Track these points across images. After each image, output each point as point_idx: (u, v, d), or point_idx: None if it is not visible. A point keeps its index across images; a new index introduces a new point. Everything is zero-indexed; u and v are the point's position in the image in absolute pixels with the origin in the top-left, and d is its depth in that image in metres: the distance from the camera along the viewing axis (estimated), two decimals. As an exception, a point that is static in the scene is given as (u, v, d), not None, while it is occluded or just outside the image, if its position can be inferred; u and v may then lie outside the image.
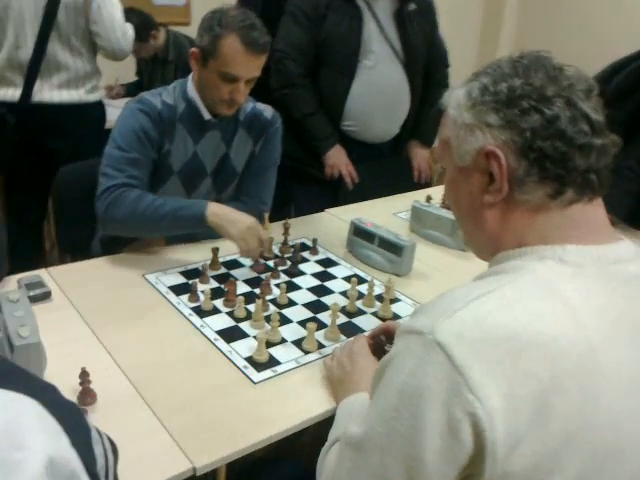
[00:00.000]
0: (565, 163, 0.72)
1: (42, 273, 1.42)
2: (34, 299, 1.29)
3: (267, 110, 1.75)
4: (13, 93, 2.20)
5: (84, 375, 1.02)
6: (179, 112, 1.59)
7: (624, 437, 0.69)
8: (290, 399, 1.11)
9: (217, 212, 1.46)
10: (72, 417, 0.64)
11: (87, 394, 1.03)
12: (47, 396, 0.60)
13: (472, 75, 0.80)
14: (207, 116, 1.61)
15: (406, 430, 0.67)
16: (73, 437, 0.58)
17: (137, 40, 2.56)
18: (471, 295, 0.69)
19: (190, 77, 1.61)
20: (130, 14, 2.60)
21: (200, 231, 1.53)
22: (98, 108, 2.43)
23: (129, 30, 2.35)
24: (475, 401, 0.63)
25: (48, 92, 2.23)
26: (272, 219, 1.80)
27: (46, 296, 1.32)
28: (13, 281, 1.36)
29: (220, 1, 1.67)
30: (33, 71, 2.17)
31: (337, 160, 2.26)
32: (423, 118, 2.42)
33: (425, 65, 2.36)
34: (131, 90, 3.38)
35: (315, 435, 1.08)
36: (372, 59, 2.19)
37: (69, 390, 1.04)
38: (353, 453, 0.73)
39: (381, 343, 1.21)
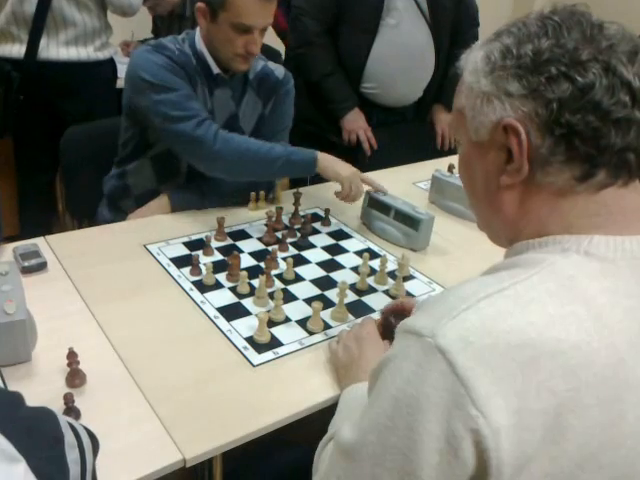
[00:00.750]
0: (597, 141, 0.61)
1: (40, 242, 1.36)
2: (29, 270, 1.24)
3: (278, 69, 1.65)
4: (19, 49, 2.11)
5: (72, 356, 0.96)
6: (194, 63, 1.51)
7: None
8: (291, 384, 1.04)
9: (327, 157, 1.51)
10: (39, 431, 0.59)
11: (75, 375, 0.97)
12: (6, 414, 0.54)
13: (493, 34, 0.69)
14: (216, 70, 1.52)
15: (401, 442, 0.59)
16: (35, 458, 0.53)
17: (154, -5, 2.44)
18: (480, 293, 0.60)
19: (197, 31, 1.52)
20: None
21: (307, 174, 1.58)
22: (109, 66, 2.34)
23: (139, -16, 2.23)
24: (479, 417, 0.54)
25: (55, 49, 2.14)
26: (286, 186, 1.73)
27: (41, 267, 1.26)
28: (9, 250, 1.31)
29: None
30: (38, 26, 2.07)
31: (355, 125, 2.15)
32: (449, 81, 2.27)
33: (453, 24, 2.21)
34: (148, 47, 3.27)
35: (321, 420, 1.02)
36: (396, 17, 2.06)
37: (58, 370, 0.99)
38: (344, 461, 0.66)
39: (390, 326, 1.13)
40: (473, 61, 0.69)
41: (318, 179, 1.92)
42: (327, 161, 1.50)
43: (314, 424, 1.01)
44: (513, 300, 0.59)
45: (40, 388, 0.96)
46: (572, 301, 0.59)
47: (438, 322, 0.58)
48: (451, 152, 2.34)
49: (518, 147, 0.64)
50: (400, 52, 2.10)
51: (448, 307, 0.60)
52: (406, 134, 2.28)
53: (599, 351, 0.57)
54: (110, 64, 2.33)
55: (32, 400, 0.92)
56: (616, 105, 0.60)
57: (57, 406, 0.91)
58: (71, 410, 0.91)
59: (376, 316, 1.21)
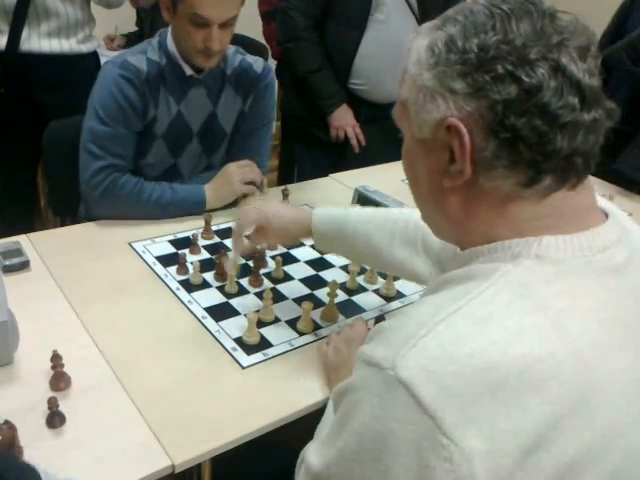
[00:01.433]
0: (543, 146, 0.58)
1: (22, 239, 1.32)
2: (10, 269, 1.20)
3: (257, 63, 1.61)
4: (-1, 41, 2.06)
5: (56, 359, 0.94)
6: (161, 69, 1.47)
7: (634, 449, 0.59)
8: (281, 387, 1.02)
9: (212, 193, 1.51)
10: None
11: (60, 379, 0.95)
12: None
13: (439, 19, 0.64)
14: (189, 72, 1.48)
15: (368, 474, 0.57)
16: None
17: (135, -12, 2.40)
18: (437, 316, 0.57)
19: (169, 30, 1.48)
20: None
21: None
22: (92, 59, 2.29)
23: (124, -25, 2.19)
24: (450, 445, 0.52)
25: (37, 41, 2.08)
26: (274, 183, 1.70)
27: (24, 266, 1.22)
28: (-11, 248, 1.27)
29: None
30: (19, 17, 2.02)
31: (343, 121, 2.12)
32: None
33: (441, 20, 2.19)
34: (132, 40, 3.22)
35: (309, 421, 1.00)
36: (384, 12, 2.03)
37: (41, 373, 0.96)
38: None
39: (382, 327, 1.11)
40: (417, 50, 0.64)
41: (305, 176, 1.91)
42: (214, 199, 1.51)
43: (302, 425, 1.00)
44: (471, 319, 0.56)
45: (23, 392, 0.94)
46: (530, 311, 0.57)
47: (398, 352, 0.55)
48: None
49: (460, 149, 0.60)
50: (389, 48, 2.08)
51: (406, 334, 0.57)
52: (395, 130, 2.26)
53: (563, 360, 0.55)
54: (94, 57, 2.28)
55: (15, 404, 0.91)
56: (564, 108, 0.57)
57: (41, 410, 0.89)
58: (55, 414, 0.88)
59: (366, 316, 1.20)
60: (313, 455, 0.66)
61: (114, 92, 1.41)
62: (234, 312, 1.18)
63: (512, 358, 0.54)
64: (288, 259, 1.38)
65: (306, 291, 1.28)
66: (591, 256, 0.61)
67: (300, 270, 1.35)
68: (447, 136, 0.61)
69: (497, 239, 0.62)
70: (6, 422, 0.82)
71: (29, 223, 2.41)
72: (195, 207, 1.50)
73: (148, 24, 3.21)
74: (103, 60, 2.33)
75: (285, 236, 1.18)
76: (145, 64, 1.44)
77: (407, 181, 0.73)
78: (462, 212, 0.65)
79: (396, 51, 2.09)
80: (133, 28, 3.34)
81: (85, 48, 2.21)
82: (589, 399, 0.56)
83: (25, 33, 2.05)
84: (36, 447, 0.85)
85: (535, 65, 0.57)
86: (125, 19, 3.19)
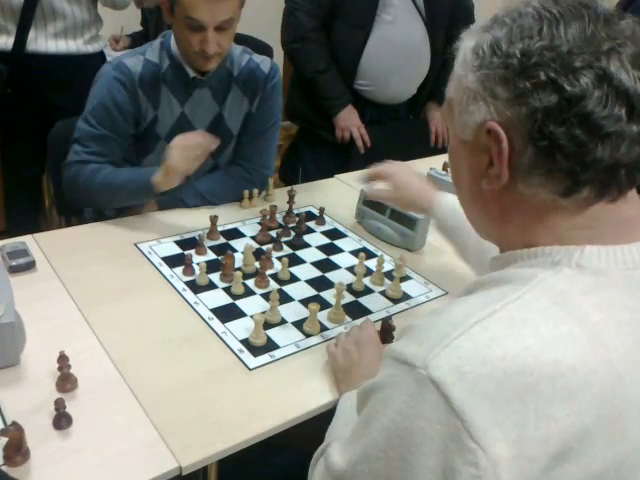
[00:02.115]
0: (582, 157, 0.56)
1: (28, 240, 1.32)
2: (16, 269, 1.20)
3: (264, 63, 1.59)
4: (6, 41, 2.06)
5: (63, 360, 0.93)
6: (163, 71, 1.46)
7: None
8: (288, 388, 1.02)
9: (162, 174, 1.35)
10: None
11: (66, 380, 0.94)
12: None
13: (489, 20, 0.63)
14: (192, 73, 1.47)
15: (394, 472, 0.56)
16: None
17: (140, -11, 2.40)
18: (471, 318, 0.56)
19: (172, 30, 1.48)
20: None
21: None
22: (99, 59, 2.28)
23: (130, -24, 2.19)
24: (477, 449, 0.51)
25: (44, 41, 2.09)
26: (279, 183, 1.70)
27: (30, 266, 1.22)
28: (-5, 248, 1.27)
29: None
30: (26, 18, 2.02)
31: (349, 122, 2.12)
32: (443, 78, 2.25)
33: (449, 21, 2.18)
34: (137, 40, 3.22)
35: (316, 422, 1.00)
36: (391, 13, 2.03)
37: (48, 374, 0.96)
38: None
39: (390, 329, 1.11)
40: (463, 51, 0.64)
41: (310, 177, 1.90)
42: (162, 177, 1.35)
43: (309, 426, 0.99)
44: (506, 323, 0.56)
45: (30, 393, 0.93)
46: (566, 320, 0.56)
47: (430, 351, 0.55)
48: (445, 150, 2.32)
49: (498, 154, 0.60)
50: (395, 49, 2.07)
51: (439, 334, 0.56)
52: (400, 131, 2.26)
53: (596, 371, 0.55)
54: (100, 57, 2.28)
55: (22, 405, 0.91)
56: (608, 119, 0.55)
57: (48, 411, 0.89)
58: (62, 416, 0.88)
59: (373, 318, 1.20)
60: (337, 454, 0.66)
61: (104, 95, 1.44)
62: (240, 313, 1.18)
63: (544, 364, 0.53)
64: (294, 260, 1.37)
65: (312, 292, 1.27)
66: (633, 269, 0.60)
67: (306, 271, 1.35)
68: (487, 139, 0.61)
69: (537, 244, 0.62)
70: (13, 423, 0.81)
71: (34, 222, 2.42)
72: (146, 193, 1.40)
73: (153, 24, 3.21)
74: (109, 60, 2.34)
75: (405, 205, 1.33)
76: (141, 66, 1.45)
77: (452, 180, 0.74)
78: (500, 215, 0.65)
79: (402, 52, 2.09)
80: (138, 28, 3.34)
81: (92, 48, 2.21)
82: (620, 413, 0.55)
83: (32, 34, 2.05)
84: (43, 448, 0.85)
85: (579, 73, 0.55)
86: (131, 19, 3.19)
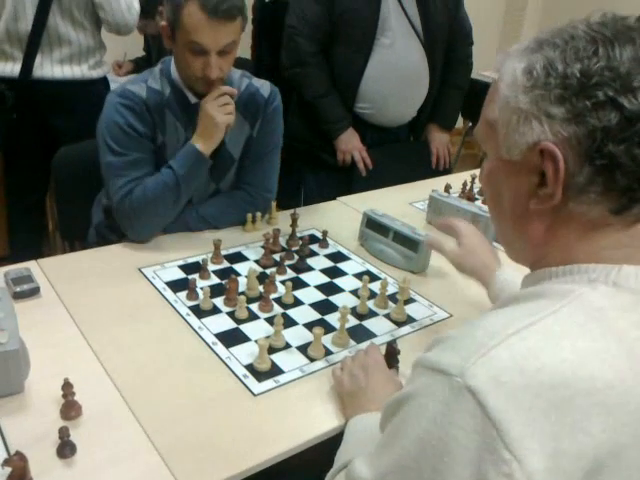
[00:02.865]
0: None
1: (32, 265, 1.32)
2: (21, 295, 1.21)
3: (264, 87, 1.61)
4: (12, 68, 2.09)
5: (67, 387, 0.93)
6: (166, 97, 1.48)
7: None
8: (293, 414, 1.01)
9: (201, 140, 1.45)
10: None
11: (71, 407, 0.94)
12: None
13: (533, 41, 0.63)
14: (193, 99, 1.49)
15: None
16: None
17: (143, 17, 2.43)
18: (509, 328, 0.57)
19: (173, 58, 1.49)
20: (136, -12, 2.46)
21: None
22: (102, 84, 2.32)
23: (134, 3, 2.22)
24: (512, 461, 0.51)
25: (49, 67, 2.12)
26: (281, 206, 1.70)
27: (34, 292, 1.22)
28: (0, 275, 1.27)
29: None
30: (33, 45, 2.06)
31: (350, 145, 2.14)
32: (443, 100, 2.28)
33: (447, 43, 2.21)
34: (140, 65, 3.26)
35: (321, 446, 0.99)
36: (389, 36, 2.06)
37: (52, 401, 0.96)
38: None
39: (394, 353, 1.11)
40: (512, 73, 0.64)
41: (312, 200, 1.91)
42: (207, 145, 1.45)
43: (314, 450, 0.99)
44: (543, 335, 0.56)
45: (34, 421, 0.93)
46: (603, 335, 0.57)
47: (467, 360, 0.55)
48: (447, 172, 2.34)
49: (554, 173, 0.60)
50: (394, 72, 2.10)
51: (476, 343, 0.57)
52: (401, 153, 2.28)
53: (633, 388, 0.55)
54: (104, 82, 2.32)
55: (26, 434, 0.90)
56: None
57: (52, 440, 0.88)
58: (66, 444, 0.87)
59: (377, 341, 1.19)
60: (363, 465, 0.65)
61: (118, 121, 1.43)
62: (244, 338, 1.18)
63: (581, 379, 0.54)
64: (298, 284, 1.37)
65: (316, 316, 1.27)
66: None
67: (310, 295, 1.35)
68: (539, 160, 0.61)
69: (574, 262, 0.63)
70: (17, 453, 0.81)
71: (38, 247, 2.43)
72: (199, 163, 1.45)
73: (155, 49, 3.26)
74: (113, 85, 2.37)
75: (465, 269, 1.25)
76: (145, 92, 1.45)
77: (488, 204, 0.74)
78: (543, 235, 0.66)
79: (402, 75, 2.12)
80: (141, 53, 3.39)
81: (96, 74, 2.25)
82: None
83: (38, 60, 2.09)
84: (47, 478, 0.84)
85: (638, 92, 0.57)
86: (133, 45, 3.24)
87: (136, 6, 2.23)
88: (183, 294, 1.28)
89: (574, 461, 0.52)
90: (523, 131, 0.62)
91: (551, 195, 0.62)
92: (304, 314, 1.27)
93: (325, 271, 1.45)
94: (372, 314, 1.30)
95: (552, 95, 0.59)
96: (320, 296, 1.35)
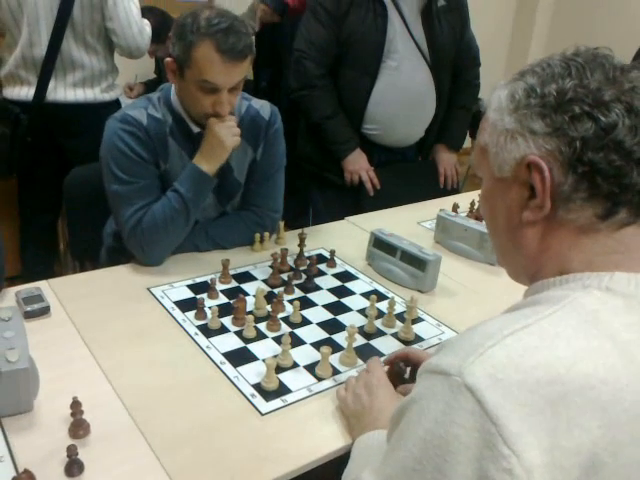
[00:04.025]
0: (620, 179, 0.63)
1: (43, 285, 1.34)
2: (31, 314, 1.22)
3: (264, 108, 1.61)
4: (27, 92, 2.14)
5: (76, 406, 0.94)
6: (169, 126, 1.47)
7: None
8: (301, 433, 1.01)
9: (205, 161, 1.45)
10: None
11: (79, 426, 0.94)
12: None
13: (517, 74, 0.71)
14: (195, 129, 1.48)
15: None
16: None
17: (154, 41, 2.48)
18: (505, 330, 0.59)
19: (172, 87, 1.48)
20: (148, 14, 2.52)
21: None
22: (115, 107, 2.36)
23: (146, 27, 2.27)
24: (511, 456, 0.53)
25: (62, 91, 2.17)
26: (289, 226, 1.72)
27: (44, 311, 1.24)
28: (11, 293, 1.29)
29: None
30: (47, 70, 2.11)
31: (357, 165, 2.15)
32: (451, 120, 2.30)
33: (454, 64, 2.24)
34: (151, 87, 3.31)
35: (332, 471, 0.99)
36: (396, 59, 2.08)
37: (60, 420, 0.96)
38: None
39: (400, 371, 1.10)
40: (497, 99, 0.70)
41: (321, 220, 1.92)
42: (211, 166, 1.44)
43: (322, 470, 0.98)
44: (538, 335, 0.59)
45: (42, 440, 0.93)
46: (597, 336, 0.59)
47: (465, 360, 0.58)
48: (455, 192, 2.34)
49: (541, 184, 0.65)
50: (401, 94, 2.12)
51: (473, 344, 0.59)
52: (409, 173, 2.29)
53: (628, 387, 0.56)
54: (116, 105, 2.36)
55: (34, 452, 0.91)
56: (639, 145, 0.62)
57: (60, 458, 0.89)
58: (74, 463, 0.88)
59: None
60: (369, 476, 0.66)
61: (121, 148, 1.42)
62: (252, 357, 1.18)
63: (576, 376, 0.55)
64: (306, 303, 1.38)
65: (324, 335, 1.27)
66: None
67: (318, 314, 1.35)
68: (527, 173, 0.66)
69: (569, 272, 0.66)
70: (25, 471, 0.81)
71: (49, 266, 2.45)
72: (204, 184, 1.45)
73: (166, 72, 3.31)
74: (124, 108, 2.41)
75: None
76: (145, 119, 1.44)
77: (486, 225, 0.79)
78: (538, 245, 0.69)
79: (408, 97, 2.14)
80: (152, 75, 3.45)
81: (108, 96, 2.29)
82: None
83: (52, 84, 2.13)
84: (55, 497, 0.84)
85: (610, 106, 0.62)
86: (144, 68, 3.30)
87: (148, 30, 2.28)
88: (191, 314, 1.29)
89: (571, 456, 0.54)
90: (510, 148, 0.68)
91: (541, 206, 0.66)
92: (312, 333, 1.28)
93: (333, 290, 1.46)
94: (380, 333, 1.30)
95: (533, 113, 0.65)
96: (328, 315, 1.35)
